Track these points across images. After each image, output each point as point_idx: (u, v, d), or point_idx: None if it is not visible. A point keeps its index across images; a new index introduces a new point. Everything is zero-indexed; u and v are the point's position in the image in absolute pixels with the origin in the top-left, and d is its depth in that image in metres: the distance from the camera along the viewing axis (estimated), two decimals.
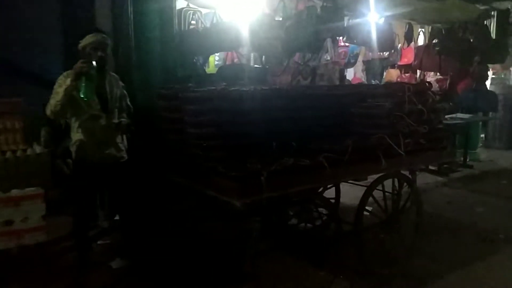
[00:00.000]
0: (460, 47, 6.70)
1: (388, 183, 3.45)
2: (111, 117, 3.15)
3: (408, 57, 7.95)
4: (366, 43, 5.76)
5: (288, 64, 5.47)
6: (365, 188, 3.34)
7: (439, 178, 6.38)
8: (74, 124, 3.09)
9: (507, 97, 8.56)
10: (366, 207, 3.35)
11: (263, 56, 5.60)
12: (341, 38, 6.12)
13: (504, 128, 8.70)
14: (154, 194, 3.45)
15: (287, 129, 2.95)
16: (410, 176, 3.69)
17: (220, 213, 2.97)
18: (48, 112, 2.99)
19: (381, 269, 3.38)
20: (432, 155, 3.52)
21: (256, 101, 2.85)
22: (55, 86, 2.98)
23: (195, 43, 5.09)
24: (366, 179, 3.32)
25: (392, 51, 7.81)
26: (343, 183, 3.97)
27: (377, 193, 3.42)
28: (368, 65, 8.70)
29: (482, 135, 8.65)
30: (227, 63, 6.50)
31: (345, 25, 5.22)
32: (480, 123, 7.84)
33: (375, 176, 3.33)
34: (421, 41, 8.39)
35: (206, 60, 6.05)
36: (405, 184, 3.57)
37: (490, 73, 8.57)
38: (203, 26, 5.56)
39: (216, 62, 6.71)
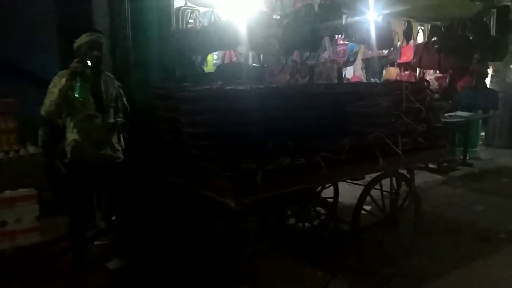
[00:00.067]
0: (460, 45, 6.66)
1: (386, 182, 3.43)
2: (106, 117, 3.13)
3: (408, 55, 7.92)
4: (364, 41, 5.74)
5: (286, 63, 5.44)
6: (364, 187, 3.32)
7: (439, 177, 6.35)
8: (69, 124, 3.08)
9: (507, 95, 8.52)
10: (365, 206, 3.33)
11: (261, 55, 5.58)
12: (339, 36, 6.10)
13: (504, 126, 8.67)
14: (150, 194, 3.43)
15: (283, 129, 2.92)
16: (408, 175, 3.67)
17: (217, 213, 2.95)
18: (42, 112, 2.97)
19: (380, 268, 3.37)
20: (431, 154, 3.49)
21: (252, 100, 2.83)
22: (50, 86, 2.97)
23: (193, 42, 5.08)
24: (364, 178, 3.30)
25: (392, 49, 7.79)
26: (342, 182, 3.96)
27: (376, 192, 3.41)
28: (367, 63, 8.68)
29: (482, 133, 8.62)
30: (226, 62, 6.48)
31: (343, 23, 5.18)
32: (480, 121, 7.81)
33: (374, 175, 3.31)
34: (420, 39, 8.37)
35: (204, 59, 6.04)
36: (403, 183, 3.54)
37: (490, 70, 8.55)
38: (201, 24, 5.54)
39: (214, 61, 6.69)
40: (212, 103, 2.66)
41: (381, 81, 8.05)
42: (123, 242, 3.52)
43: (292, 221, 4.21)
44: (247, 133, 2.73)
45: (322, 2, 4.69)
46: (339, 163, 2.78)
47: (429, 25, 7.67)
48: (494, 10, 7.30)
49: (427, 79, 8.05)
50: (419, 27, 8.27)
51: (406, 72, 8.38)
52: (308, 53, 5.49)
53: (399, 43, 7.86)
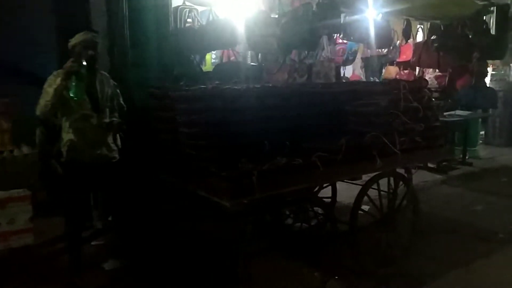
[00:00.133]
0: (459, 44, 6.62)
1: (384, 182, 3.41)
2: (102, 117, 3.12)
3: (407, 54, 7.89)
4: (363, 40, 5.70)
5: (284, 62, 5.42)
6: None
7: (438, 176, 6.32)
8: (65, 124, 3.06)
9: (507, 94, 8.49)
10: (364, 206, 3.31)
11: (259, 54, 5.56)
12: (338, 35, 6.07)
13: (504, 125, 8.63)
14: (147, 194, 3.42)
15: (280, 128, 2.90)
16: (406, 174, 3.65)
17: (213, 213, 2.94)
18: (38, 112, 2.96)
19: (378, 268, 3.35)
20: (429, 153, 3.47)
21: (249, 100, 2.81)
22: (45, 86, 2.96)
23: (191, 41, 5.06)
24: (361, 178, 3.28)
25: (391, 48, 7.76)
26: (341, 182, 3.93)
27: (374, 192, 3.39)
28: (366, 62, 8.65)
29: (482, 132, 8.59)
30: (224, 61, 6.45)
31: (342, 22, 5.15)
32: (480, 120, 7.78)
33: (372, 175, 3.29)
34: (420, 37, 8.33)
35: (202, 58, 6.02)
36: (401, 182, 3.52)
37: (490, 69, 8.51)
38: (199, 24, 5.52)
39: (213, 60, 6.66)
40: (208, 102, 2.65)
41: (381, 80, 8.02)
42: (119, 242, 3.50)
43: (289, 221, 4.20)
44: (244, 133, 2.70)
45: (320, 1, 4.66)
46: (336, 163, 2.76)
47: (429, 23, 7.64)
48: (494, 8, 7.25)
49: (427, 78, 8.04)
50: (418, 26, 8.24)
51: (406, 71, 8.35)
52: (306, 52, 5.46)
53: (398, 41, 7.83)
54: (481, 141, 8.31)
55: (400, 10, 6.18)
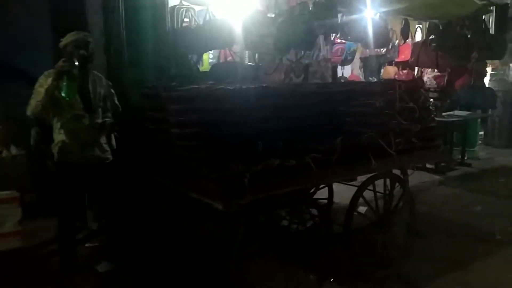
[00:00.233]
0: (458, 43, 6.58)
1: (381, 183, 3.38)
2: (94, 117, 3.08)
3: (406, 54, 7.83)
4: (360, 40, 5.65)
5: (280, 62, 5.38)
6: None
7: (436, 177, 6.28)
8: (56, 124, 3.03)
9: (506, 94, 8.45)
10: (361, 207, 3.27)
11: (256, 54, 5.52)
12: (337, 34, 6.03)
13: (504, 126, 8.59)
14: (140, 196, 3.38)
15: (274, 129, 2.86)
16: (402, 176, 3.61)
17: (207, 214, 2.90)
18: (28, 112, 2.93)
19: (375, 270, 3.31)
20: (425, 155, 3.43)
21: (242, 100, 2.77)
22: (36, 86, 2.93)
23: (188, 41, 5.02)
24: (356, 179, 3.24)
25: (390, 47, 7.72)
26: (339, 183, 3.90)
27: (370, 194, 3.35)
28: (365, 62, 8.61)
29: (481, 133, 8.55)
30: (221, 61, 6.42)
31: (339, 21, 5.12)
32: (479, 120, 7.74)
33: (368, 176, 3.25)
34: (418, 37, 8.29)
35: (200, 57, 5.98)
36: (397, 184, 3.48)
37: (489, 69, 8.47)
38: (196, 23, 5.48)
39: (210, 60, 6.63)
40: (200, 103, 2.61)
41: (379, 80, 7.98)
42: (113, 244, 3.47)
43: (285, 222, 4.16)
44: (236, 133, 2.67)
45: (317, 0, 4.62)
46: (330, 164, 2.72)
47: (427, 23, 7.60)
48: (493, 8, 7.22)
49: (426, 78, 8.01)
50: (417, 25, 8.20)
51: (405, 71, 8.30)
52: (303, 52, 5.42)
53: (397, 41, 7.79)
54: (480, 142, 8.26)
55: (398, 10, 6.14)
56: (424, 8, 6.16)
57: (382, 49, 7.76)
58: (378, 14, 5.84)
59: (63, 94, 2.85)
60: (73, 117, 2.99)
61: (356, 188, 3.30)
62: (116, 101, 3.37)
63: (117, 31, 3.87)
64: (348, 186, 3.45)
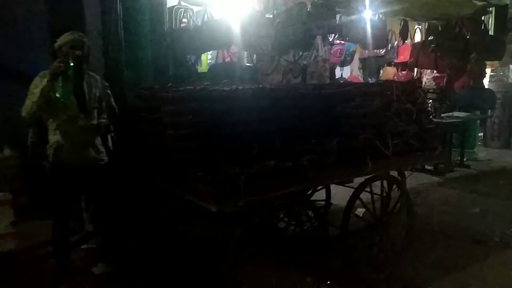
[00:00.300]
0: (457, 44, 6.57)
1: (378, 185, 3.35)
2: (89, 118, 3.06)
3: (405, 55, 7.84)
4: (358, 40, 5.65)
5: (278, 63, 5.37)
6: None
7: (435, 178, 6.26)
8: (51, 125, 3.01)
9: (505, 95, 8.43)
10: (359, 209, 3.25)
11: (254, 55, 5.51)
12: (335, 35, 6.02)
13: (503, 127, 8.57)
14: (135, 198, 3.36)
15: (270, 130, 2.83)
16: (399, 177, 3.59)
17: (201, 217, 2.88)
18: (23, 113, 2.91)
19: (372, 273, 3.29)
20: (422, 156, 3.40)
21: (238, 101, 2.75)
22: (31, 87, 2.90)
23: (186, 42, 5.01)
24: (352, 181, 3.22)
25: (389, 48, 7.72)
26: (337, 185, 3.87)
27: (368, 196, 3.33)
28: (364, 63, 8.61)
29: (480, 134, 8.53)
30: (219, 61, 6.41)
31: (337, 22, 5.11)
32: (478, 121, 7.73)
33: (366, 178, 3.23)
34: (418, 38, 8.28)
35: (198, 58, 5.97)
36: (394, 186, 3.46)
37: (488, 70, 8.45)
38: (194, 24, 5.47)
39: (208, 61, 6.63)
40: (195, 104, 2.58)
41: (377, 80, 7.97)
42: (108, 246, 3.45)
43: (281, 224, 4.13)
44: (232, 135, 2.64)
45: (315, 0, 4.61)
46: (326, 165, 2.70)
47: (427, 24, 7.59)
48: (492, 9, 7.21)
49: (425, 78, 8.00)
50: (416, 26, 8.19)
51: (404, 72, 8.30)
52: (301, 53, 5.41)
53: (396, 42, 7.78)
54: (479, 143, 8.25)
55: (397, 11, 6.13)
56: (423, 8, 6.16)
57: (381, 50, 7.75)
58: (377, 15, 5.83)
59: (58, 95, 2.83)
60: (68, 119, 2.97)
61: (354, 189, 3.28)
62: (113, 102, 3.35)
63: (115, 32, 3.86)
64: (346, 187, 3.43)
